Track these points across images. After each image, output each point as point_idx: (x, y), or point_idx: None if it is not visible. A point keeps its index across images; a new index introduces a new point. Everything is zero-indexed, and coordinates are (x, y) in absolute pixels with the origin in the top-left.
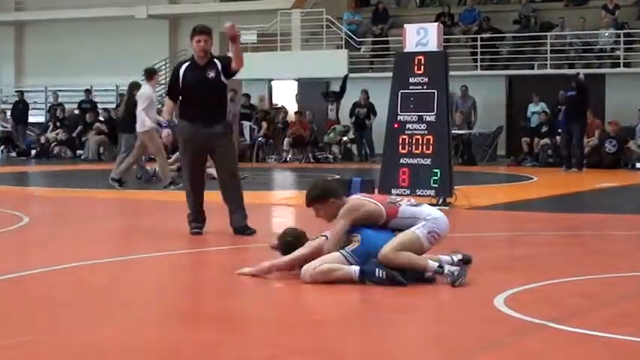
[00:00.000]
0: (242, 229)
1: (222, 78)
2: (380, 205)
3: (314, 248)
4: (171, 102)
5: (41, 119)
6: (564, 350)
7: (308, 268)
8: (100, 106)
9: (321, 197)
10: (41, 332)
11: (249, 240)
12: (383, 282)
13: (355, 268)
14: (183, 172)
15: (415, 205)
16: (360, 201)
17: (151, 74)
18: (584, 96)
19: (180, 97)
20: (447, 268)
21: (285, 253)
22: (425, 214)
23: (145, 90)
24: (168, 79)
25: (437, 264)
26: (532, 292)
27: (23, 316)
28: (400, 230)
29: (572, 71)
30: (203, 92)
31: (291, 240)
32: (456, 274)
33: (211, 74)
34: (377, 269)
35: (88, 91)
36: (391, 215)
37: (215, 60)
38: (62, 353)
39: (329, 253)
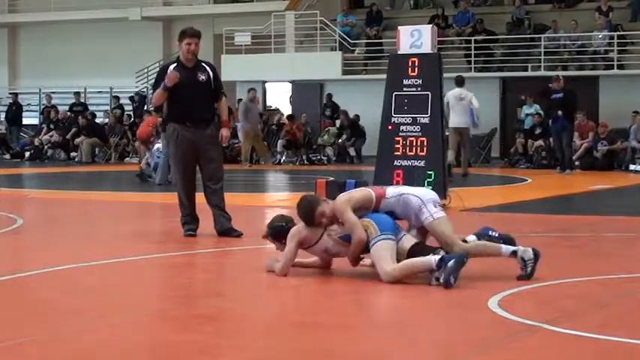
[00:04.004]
0: (227, 231)
1: (212, 84)
2: (368, 189)
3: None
4: None
5: (35, 121)
6: (558, 352)
7: (387, 272)
8: (95, 108)
9: (316, 202)
10: (36, 334)
11: (243, 242)
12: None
13: (435, 257)
14: (175, 174)
15: (397, 186)
16: (349, 194)
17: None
18: (571, 97)
19: (169, 100)
20: (520, 251)
21: (273, 237)
22: (410, 191)
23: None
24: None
25: (511, 249)
26: (526, 294)
27: (17, 319)
28: (392, 213)
29: (565, 73)
30: (193, 93)
31: (278, 225)
32: (530, 264)
33: (202, 77)
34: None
35: (77, 94)
36: (380, 196)
37: (204, 64)
38: (56, 356)
39: (361, 238)
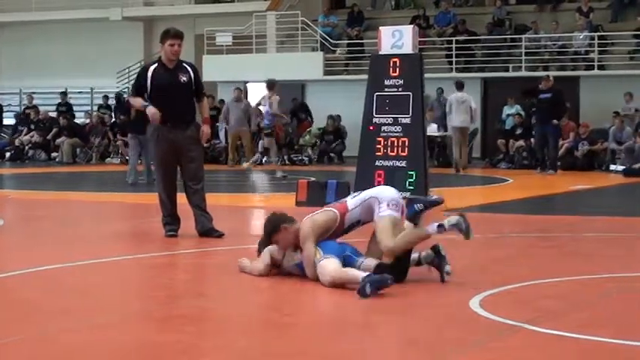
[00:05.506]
0: (209, 231)
1: (193, 85)
2: (330, 209)
3: (267, 265)
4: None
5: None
6: (539, 352)
7: (324, 273)
8: (77, 109)
9: (275, 228)
10: (21, 335)
11: (224, 242)
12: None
13: (362, 274)
14: (156, 174)
15: (359, 194)
16: (311, 218)
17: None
18: (559, 98)
19: (150, 100)
20: (446, 223)
21: (259, 250)
22: (369, 194)
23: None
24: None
25: (436, 224)
26: (507, 294)
27: (2, 319)
28: (358, 222)
29: (546, 73)
30: (174, 94)
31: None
32: (462, 224)
33: (183, 78)
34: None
35: (64, 94)
36: (343, 211)
37: (185, 65)
38: (43, 355)
39: (311, 276)
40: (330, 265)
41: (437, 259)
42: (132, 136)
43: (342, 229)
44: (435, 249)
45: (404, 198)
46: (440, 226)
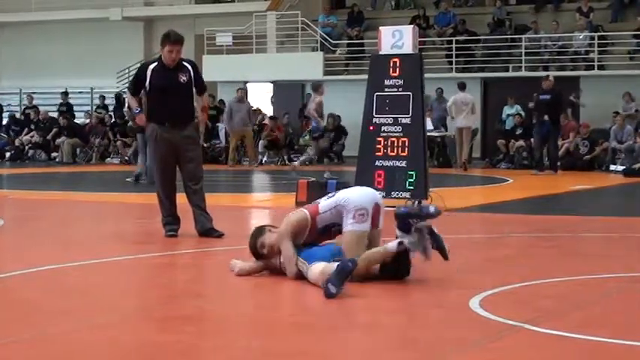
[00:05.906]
0: (208, 231)
1: (193, 85)
2: (303, 210)
3: (255, 266)
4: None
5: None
6: (539, 352)
7: (308, 272)
8: (77, 109)
9: (261, 231)
10: (21, 335)
11: (224, 242)
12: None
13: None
14: (155, 174)
15: (332, 196)
16: (285, 220)
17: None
18: (557, 100)
19: (148, 99)
20: (406, 240)
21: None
22: (341, 199)
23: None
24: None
25: (397, 242)
26: (507, 294)
27: (2, 319)
28: (334, 225)
29: (546, 74)
30: (173, 94)
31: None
32: (416, 243)
33: (183, 78)
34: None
35: (65, 94)
36: (314, 213)
37: (185, 64)
38: (44, 356)
39: (292, 274)
40: (317, 268)
41: (434, 241)
42: (141, 136)
43: (316, 230)
44: (429, 229)
45: (398, 214)
46: (400, 243)
